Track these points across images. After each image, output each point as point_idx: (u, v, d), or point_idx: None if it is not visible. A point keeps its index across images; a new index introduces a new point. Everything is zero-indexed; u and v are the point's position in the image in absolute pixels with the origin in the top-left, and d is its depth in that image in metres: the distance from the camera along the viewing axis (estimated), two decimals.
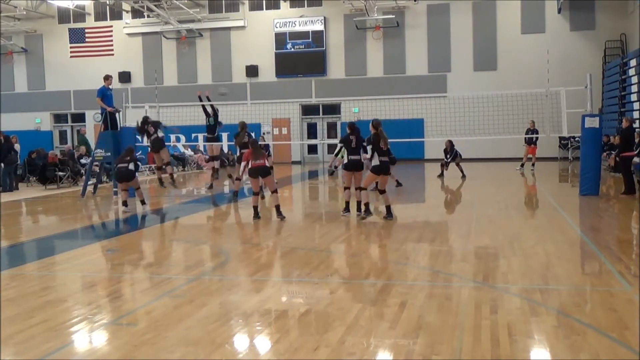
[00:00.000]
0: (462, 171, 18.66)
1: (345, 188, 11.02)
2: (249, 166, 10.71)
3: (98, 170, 17.05)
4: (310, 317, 5.16)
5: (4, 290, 6.21)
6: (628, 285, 5.96)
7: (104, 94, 15.33)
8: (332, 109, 30.01)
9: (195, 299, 5.73)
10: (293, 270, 7.15)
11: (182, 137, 28.47)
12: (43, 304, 5.72)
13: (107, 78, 15.60)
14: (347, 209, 10.96)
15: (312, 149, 30.94)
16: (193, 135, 29.31)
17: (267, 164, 10.80)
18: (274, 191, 10.89)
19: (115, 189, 15.30)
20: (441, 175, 18.88)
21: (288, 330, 4.86)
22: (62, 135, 33.44)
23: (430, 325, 4.81)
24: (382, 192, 10.56)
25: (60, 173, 18.66)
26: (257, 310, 5.38)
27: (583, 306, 5.42)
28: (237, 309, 5.41)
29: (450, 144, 19.08)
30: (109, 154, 15.41)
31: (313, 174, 23.40)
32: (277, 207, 10.74)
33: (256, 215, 10.74)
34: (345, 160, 10.86)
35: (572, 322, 4.85)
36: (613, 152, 15.69)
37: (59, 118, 33.49)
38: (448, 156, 19.11)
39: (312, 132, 30.43)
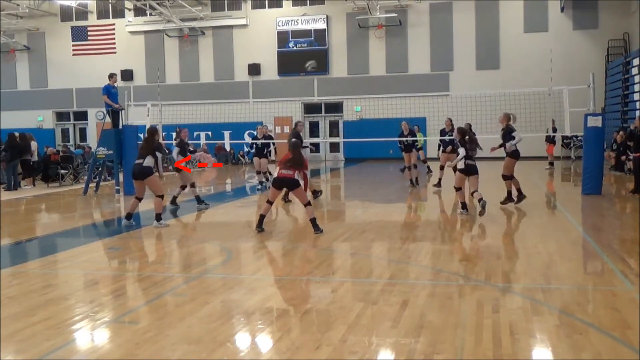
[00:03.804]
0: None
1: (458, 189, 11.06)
2: (275, 174, 9.45)
3: (100, 169, 17.06)
4: (312, 316, 5.16)
5: (6, 288, 6.22)
6: (630, 284, 5.94)
7: (109, 92, 15.42)
8: (335, 108, 29.99)
9: (196, 297, 5.73)
10: (295, 269, 7.15)
11: None
12: (45, 302, 5.72)
13: (112, 76, 15.70)
14: (464, 207, 10.93)
15: (314, 148, 30.90)
16: (195, 133, 29.38)
17: (296, 176, 9.27)
18: (307, 204, 9.39)
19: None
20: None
21: (290, 328, 4.86)
22: (65, 133, 33.49)
23: (432, 324, 4.81)
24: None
25: (62, 171, 18.70)
26: (258, 308, 5.38)
27: (585, 305, 5.41)
28: (239, 308, 5.41)
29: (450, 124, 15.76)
30: (111, 152, 15.49)
31: (315, 173, 23.37)
32: (313, 221, 9.26)
33: (259, 226, 9.40)
34: (462, 166, 10.91)
35: (574, 322, 4.84)
36: (629, 152, 15.64)
37: (61, 116, 33.54)
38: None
39: (314, 130, 30.42)
